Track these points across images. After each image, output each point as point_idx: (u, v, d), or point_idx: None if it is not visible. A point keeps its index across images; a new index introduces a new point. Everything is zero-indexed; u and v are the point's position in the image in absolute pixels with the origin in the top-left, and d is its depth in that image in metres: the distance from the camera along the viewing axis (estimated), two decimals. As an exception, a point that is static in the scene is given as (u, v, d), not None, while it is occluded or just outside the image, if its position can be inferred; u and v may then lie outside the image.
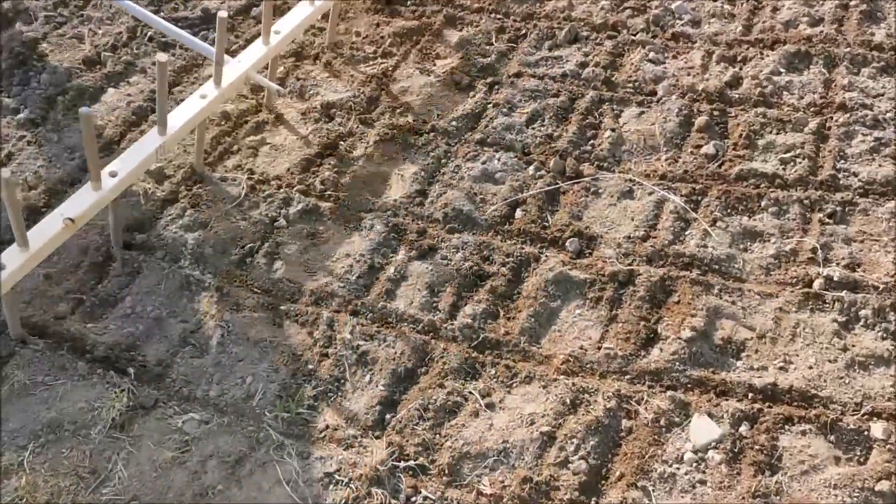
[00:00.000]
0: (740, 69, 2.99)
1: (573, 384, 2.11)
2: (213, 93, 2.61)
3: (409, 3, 3.47)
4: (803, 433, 2.05)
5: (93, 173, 2.32)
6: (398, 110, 3.03)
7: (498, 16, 3.37)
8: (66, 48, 3.38)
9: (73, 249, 2.59)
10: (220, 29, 2.50)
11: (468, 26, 3.35)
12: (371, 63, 3.27)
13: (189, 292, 2.47)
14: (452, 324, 2.29)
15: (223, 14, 2.52)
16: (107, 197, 2.38)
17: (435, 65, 3.22)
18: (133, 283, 2.51)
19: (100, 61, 3.35)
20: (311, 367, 2.25)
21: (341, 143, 2.92)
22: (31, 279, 2.51)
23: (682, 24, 3.21)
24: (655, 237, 2.45)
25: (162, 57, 2.34)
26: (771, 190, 2.61)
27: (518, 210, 2.58)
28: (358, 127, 2.97)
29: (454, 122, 2.90)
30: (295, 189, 2.74)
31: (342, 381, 2.22)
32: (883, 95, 2.92)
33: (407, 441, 2.06)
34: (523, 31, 3.27)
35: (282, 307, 2.39)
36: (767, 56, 3.03)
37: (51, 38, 3.37)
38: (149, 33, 3.39)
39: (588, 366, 2.17)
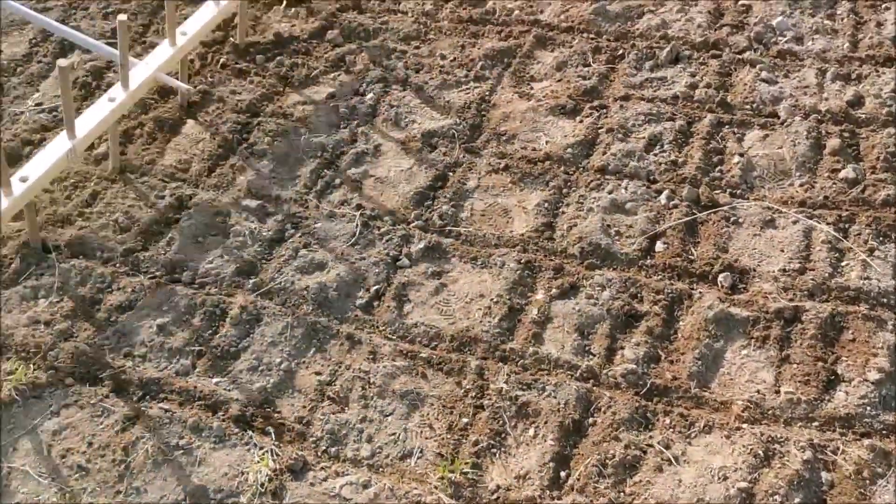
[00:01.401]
0: (858, 87, 2.89)
1: (760, 433, 1.98)
2: (122, 95, 2.70)
3: (494, 21, 3.33)
4: None
5: (3, 180, 2.39)
6: (503, 137, 2.90)
7: (590, 35, 3.24)
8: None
9: (184, 299, 2.43)
10: (121, 32, 2.61)
11: (560, 47, 3.23)
12: (465, 87, 3.13)
13: (317, 341, 2.32)
14: (613, 369, 2.16)
15: (122, 17, 2.60)
16: (18, 201, 2.45)
17: (532, 88, 3.09)
18: (253, 331, 2.35)
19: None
20: (465, 420, 2.10)
21: (450, 173, 2.78)
22: (144, 330, 2.35)
23: (786, 42, 3.10)
24: (812, 269, 2.34)
25: (63, 62, 2.46)
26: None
27: (658, 242, 2.45)
28: (464, 156, 2.83)
29: (569, 150, 2.77)
30: (412, 225, 2.59)
31: (503, 435, 2.07)
32: None
33: (592, 501, 1.92)
34: (620, 52, 3.15)
35: (422, 354, 2.24)
36: (883, 74, 2.93)
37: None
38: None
39: (770, 412, 2.05)
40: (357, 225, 2.61)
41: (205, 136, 2.99)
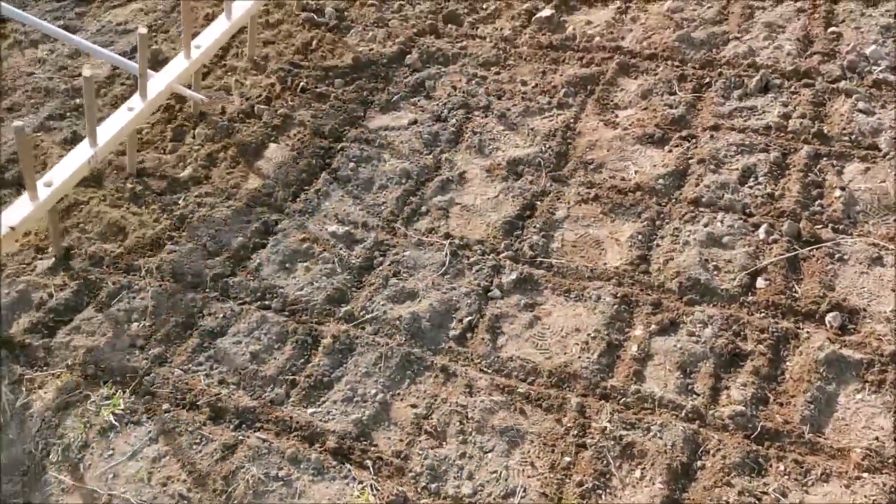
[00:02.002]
0: (960, 120, 2.81)
1: (882, 483, 1.90)
2: (140, 105, 2.80)
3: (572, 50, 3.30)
4: None
5: (28, 184, 2.46)
6: (590, 166, 2.86)
7: (675, 63, 3.20)
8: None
9: (275, 326, 2.41)
10: (141, 45, 2.72)
11: (644, 74, 3.19)
12: (548, 115, 3.10)
13: (412, 372, 2.29)
14: (720, 410, 2.09)
15: (143, 30, 2.71)
16: (43, 206, 2.53)
17: (617, 116, 3.04)
18: (346, 361, 2.33)
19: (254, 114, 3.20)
20: (567, 459, 2.05)
21: (538, 202, 2.74)
22: (237, 357, 2.34)
23: (881, 71, 3.02)
24: (926, 310, 2.26)
25: (87, 72, 2.53)
26: None
27: (759, 279, 2.39)
28: (551, 185, 2.79)
29: (660, 181, 2.72)
30: (503, 255, 2.56)
31: (608, 475, 2.02)
32: None
33: (706, 550, 1.86)
34: (706, 80, 3.10)
35: (519, 389, 2.20)
36: None
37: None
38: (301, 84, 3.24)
39: (892, 461, 1.97)
40: (446, 254, 2.58)
41: (288, 161, 3.00)
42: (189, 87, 3.12)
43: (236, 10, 3.19)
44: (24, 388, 2.29)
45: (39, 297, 2.52)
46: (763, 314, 2.30)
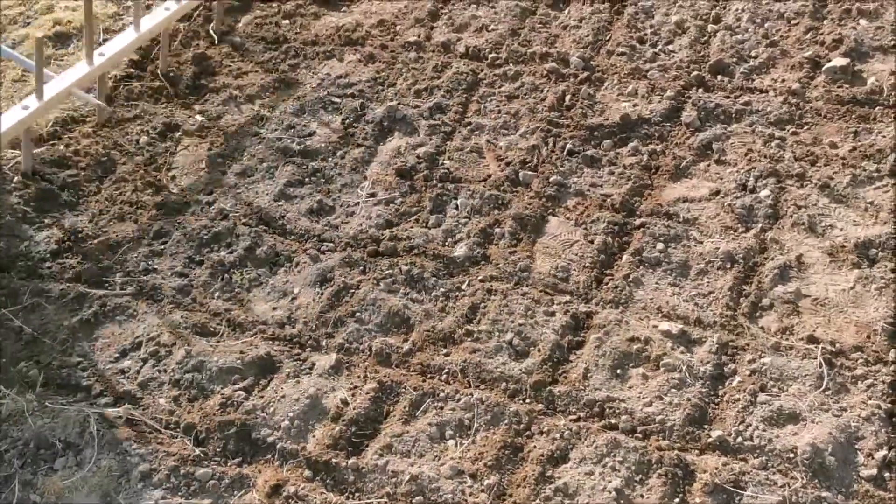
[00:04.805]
0: None
1: None
2: (35, 104, 2.80)
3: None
4: None
5: None
6: (959, 251, 2.40)
7: None
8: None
9: (631, 453, 1.99)
10: (37, 49, 2.72)
11: None
12: (880, 185, 2.65)
13: (827, 524, 1.85)
14: None
15: (39, 34, 2.91)
16: None
17: (970, 187, 2.58)
18: (737, 503, 1.90)
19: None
20: None
21: (911, 296, 2.30)
22: (593, 491, 1.93)
23: None
24: None
25: None
26: None
27: None
28: (919, 273, 2.35)
29: None
30: (895, 367, 2.11)
31: None
32: None
33: None
34: None
35: None
36: None
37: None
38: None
39: None
40: (820, 364, 2.14)
41: (578, 239, 2.60)
42: (89, 92, 3.04)
43: (144, 24, 3.12)
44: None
45: None
46: None
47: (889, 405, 2.01)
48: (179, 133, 3.00)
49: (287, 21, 3.47)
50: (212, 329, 2.37)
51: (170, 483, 2.00)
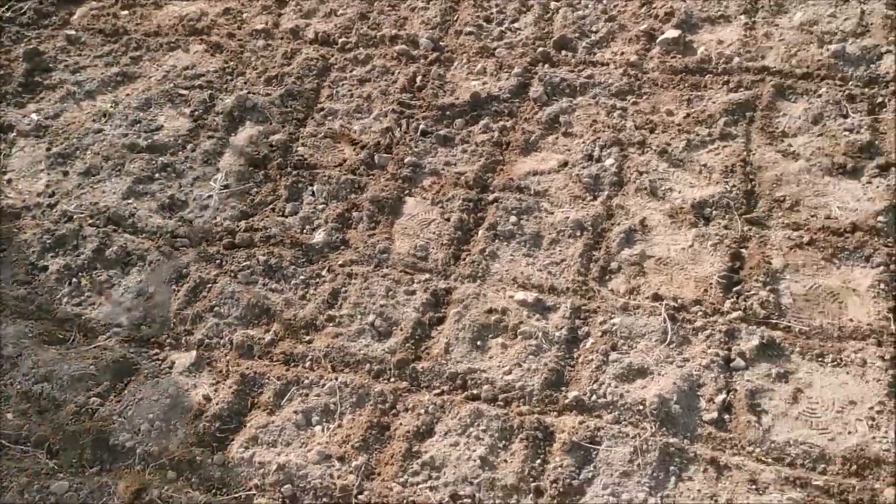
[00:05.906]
0: None
1: None
2: None
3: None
4: None
5: None
6: (784, 204, 2.58)
7: (836, 82, 2.94)
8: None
9: (493, 421, 2.06)
10: None
11: (804, 96, 2.93)
12: (712, 148, 2.81)
13: (675, 468, 1.96)
14: None
15: None
16: None
17: (791, 145, 2.77)
18: (593, 459, 1.99)
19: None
20: (901, 565, 1.76)
21: (742, 251, 2.44)
22: (462, 463, 1.98)
23: None
24: None
25: None
26: None
27: None
28: (750, 229, 2.50)
29: (880, 218, 2.45)
30: (730, 318, 2.25)
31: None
32: None
33: None
34: (879, 100, 2.85)
35: (815, 482, 1.89)
36: None
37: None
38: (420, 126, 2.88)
39: None
40: (664, 319, 2.26)
41: (435, 217, 2.64)
42: None
43: None
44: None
45: None
46: None
47: (726, 352, 2.15)
48: (13, 134, 2.85)
49: (126, 12, 3.35)
50: (60, 337, 2.28)
51: (23, 499, 1.91)
